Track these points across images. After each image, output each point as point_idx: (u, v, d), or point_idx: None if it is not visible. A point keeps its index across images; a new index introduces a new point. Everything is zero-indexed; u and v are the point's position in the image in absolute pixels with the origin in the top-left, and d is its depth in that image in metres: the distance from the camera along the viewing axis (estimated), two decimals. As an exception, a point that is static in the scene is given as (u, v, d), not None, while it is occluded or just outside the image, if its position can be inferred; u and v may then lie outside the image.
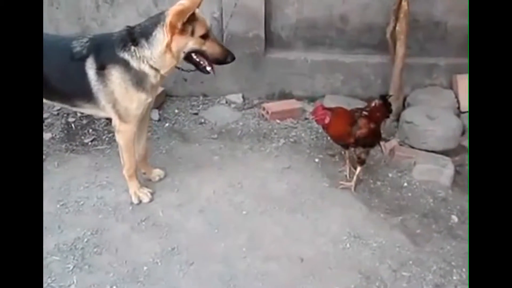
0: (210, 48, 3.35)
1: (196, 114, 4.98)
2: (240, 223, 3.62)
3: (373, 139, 3.97)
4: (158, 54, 3.26)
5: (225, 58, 3.43)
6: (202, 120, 4.88)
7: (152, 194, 3.83)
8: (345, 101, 4.85)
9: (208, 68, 3.44)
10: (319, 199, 3.88)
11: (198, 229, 3.56)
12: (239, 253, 3.36)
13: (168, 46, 3.23)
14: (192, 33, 3.24)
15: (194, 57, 3.37)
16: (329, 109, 3.87)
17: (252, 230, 3.56)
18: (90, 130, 4.67)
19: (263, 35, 4.96)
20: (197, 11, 3.22)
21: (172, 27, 3.16)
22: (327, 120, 3.78)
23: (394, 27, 4.50)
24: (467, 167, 4.31)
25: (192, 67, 3.48)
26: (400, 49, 4.53)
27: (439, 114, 4.53)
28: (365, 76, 5.08)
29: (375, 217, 3.73)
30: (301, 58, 5.09)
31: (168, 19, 3.16)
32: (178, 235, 3.50)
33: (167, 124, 4.81)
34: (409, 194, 4.01)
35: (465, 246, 3.48)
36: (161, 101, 5.04)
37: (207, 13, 4.84)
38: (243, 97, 5.19)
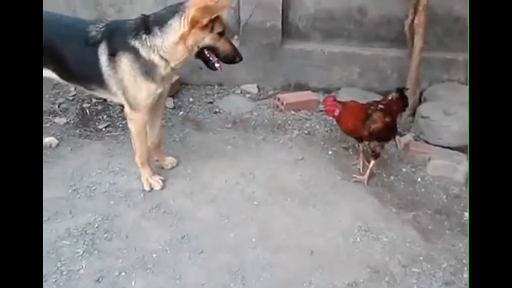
0: (222, 46, 3.36)
1: (211, 103, 4.97)
2: (250, 213, 3.61)
3: (388, 133, 3.94)
4: (170, 44, 3.25)
5: (235, 57, 3.44)
6: (217, 109, 4.86)
7: (164, 181, 3.83)
8: (361, 94, 4.82)
9: (217, 65, 3.44)
10: (331, 192, 3.86)
11: (209, 218, 3.56)
12: (249, 243, 3.36)
13: (183, 37, 3.22)
14: (212, 29, 3.24)
15: (206, 52, 3.37)
16: (340, 102, 3.84)
17: (262, 221, 3.55)
18: (105, 116, 4.68)
19: (280, 25, 4.93)
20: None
21: (195, 21, 3.15)
22: (336, 113, 3.77)
23: (413, 20, 4.45)
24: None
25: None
26: (418, 43, 4.48)
27: (455, 110, 4.47)
28: (382, 69, 5.04)
29: (387, 212, 3.70)
30: (318, 50, 5.05)
31: (191, 11, 3.15)
32: (189, 223, 3.49)
33: (181, 112, 4.80)
34: (422, 190, 3.97)
35: (477, 244, 3.44)
36: (176, 89, 5.03)
37: (224, 2, 4.83)
38: (258, 87, 5.17)
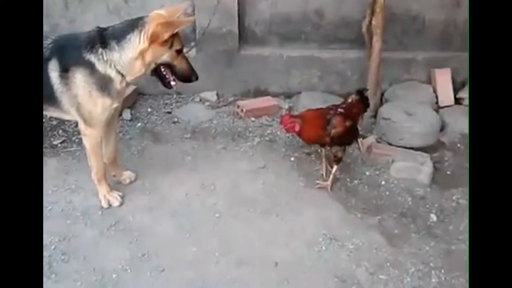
0: (180, 63, 3.29)
1: (169, 113, 4.85)
2: (212, 226, 3.51)
3: (349, 136, 3.88)
4: (128, 59, 3.14)
5: (191, 76, 3.40)
6: (175, 119, 4.75)
7: (122, 197, 3.71)
8: (321, 98, 4.79)
9: (173, 83, 3.37)
10: (295, 200, 3.78)
11: (169, 233, 3.45)
12: (211, 258, 3.25)
13: (142, 53, 3.12)
14: (171, 46, 3.16)
15: (162, 69, 3.29)
16: (297, 116, 3.79)
17: (224, 234, 3.45)
18: (60, 131, 4.53)
19: (236, 31, 4.84)
20: None
21: (155, 36, 3.05)
22: (297, 128, 3.68)
23: (370, 21, 4.41)
24: (446, 164, 4.26)
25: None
26: (377, 44, 4.43)
27: (417, 110, 4.45)
28: (341, 71, 4.99)
29: (351, 218, 3.63)
30: (276, 54, 4.98)
31: (151, 26, 3.05)
32: (149, 240, 3.38)
33: (139, 124, 4.68)
34: (387, 193, 3.92)
35: (443, 246, 3.41)
36: (134, 100, 4.91)
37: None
38: (217, 94, 5.07)
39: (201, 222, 3.54)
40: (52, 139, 4.43)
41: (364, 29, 4.47)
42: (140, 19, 3.13)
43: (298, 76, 5.03)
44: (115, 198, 3.68)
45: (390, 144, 4.36)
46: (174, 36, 3.12)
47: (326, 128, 3.71)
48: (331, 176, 3.90)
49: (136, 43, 3.09)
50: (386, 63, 4.69)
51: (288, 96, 5.06)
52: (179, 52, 3.23)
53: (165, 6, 4.56)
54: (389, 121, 4.36)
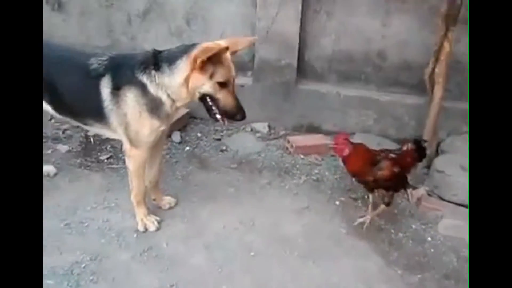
0: (224, 98, 3.16)
1: (219, 140, 4.81)
2: (246, 264, 3.41)
3: (396, 183, 3.75)
4: (176, 84, 3.10)
5: (235, 114, 3.25)
6: (224, 147, 4.70)
7: (159, 222, 3.67)
8: (375, 141, 4.65)
9: (218, 117, 3.25)
10: (334, 246, 3.64)
11: (202, 266, 3.36)
12: (241, 297, 3.15)
13: (187, 80, 3.07)
14: (211, 76, 3.06)
15: (208, 100, 3.19)
16: (351, 143, 3.67)
17: (258, 273, 3.34)
18: (108, 147, 4.54)
19: (295, 64, 4.78)
20: (228, 56, 3.08)
21: (194, 60, 2.99)
22: (345, 153, 3.61)
23: (434, 69, 4.25)
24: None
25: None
26: (438, 92, 4.27)
27: (473, 165, 4.24)
28: (399, 116, 4.85)
29: (391, 273, 3.46)
30: (334, 92, 4.88)
31: (195, 51, 3.00)
32: (180, 270, 3.30)
33: (187, 148, 4.65)
34: (432, 250, 3.73)
35: (485, 316, 3.20)
36: (184, 123, 4.89)
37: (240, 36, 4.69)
38: (269, 126, 5.00)
39: (235, 258, 3.45)
40: (99, 153, 4.45)
41: (426, 76, 4.31)
42: (193, 45, 3.08)
43: (354, 116, 4.91)
44: (152, 223, 3.63)
45: (442, 199, 4.17)
46: (215, 66, 3.02)
47: (372, 167, 3.61)
48: (376, 211, 3.81)
49: (183, 68, 3.05)
50: (447, 113, 4.53)
51: (342, 136, 4.93)
52: (222, 85, 3.11)
53: (226, 31, 4.65)
54: (443, 174, 4.18)
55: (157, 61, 3.12)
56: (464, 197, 4.06)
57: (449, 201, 4.13)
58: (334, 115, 4.93)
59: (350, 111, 4.91)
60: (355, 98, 4.87)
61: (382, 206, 3.78)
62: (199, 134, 4.85)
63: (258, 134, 4.95)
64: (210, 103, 3.19)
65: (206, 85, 3.09)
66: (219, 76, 3.07)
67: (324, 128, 4.99)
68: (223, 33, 4.74)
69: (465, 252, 3.71)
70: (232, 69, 3.14)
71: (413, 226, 3.95)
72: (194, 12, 4.74)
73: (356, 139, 4.65)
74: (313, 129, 4.99)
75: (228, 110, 3.21)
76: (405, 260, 3.60)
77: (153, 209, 3.78)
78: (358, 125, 4.93)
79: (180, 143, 4.68)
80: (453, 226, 3.86)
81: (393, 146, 4.19)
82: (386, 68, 4.84)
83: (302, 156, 4.65)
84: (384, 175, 3.59)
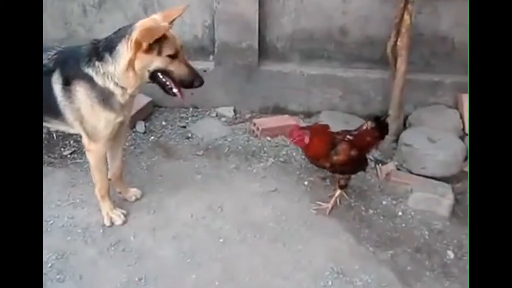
0: (177, 69, 3.05)
1: (184, 127, 4.72)
2: (215, 252, 3.36)
3: (352, 167, 3.69)
4: (121, 70, 2.99)
5: (192, 81, 3.11)
6: (189, 135, 4.61)
7: (125, 215, 3.60)
8: (342, 118, 4.62)
9: (175, 90, 3.14)
10: (304, 228, 3.60)
11: (170, 257, 3.31)
12: (211, 286, 3.10)
13: (131, 62, 2.95)
14: (159, 52, 2.96)
15: (160, 76, 3.08)
16: (307, 127, 3.60)
17: (227, 260, 3.29)
18: (71, 142, 4.42)
19: (256, 45, 4.69)
20: (169, 28, 2.98)
21: (138, 44, 2.89)
22: (306, 141, 3.49)
23: (396, 42, 4.19)
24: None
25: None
26: (402, 66, 4.22)
27: (441, 137, 4.23)
28: (364, 92, 4.79)
29: (362, 251, 3.44)
30: (297, 71, 4.81)
31: (135, 34, 2.89)
32: (148, 263, 3.25)
33: (152, 137, 4.56)
34: (403, 225, 3.71)
35: (459, 287, 3.18)
36: (149, 112, 4.79)
37: (198, 21, 4.61)
38: (234, 110, 4.93)
39: (204, 247, 3.39)
40: (62, 149, 4.35)
41: (388, 50, 4.26)
42: (129, 26, 2.97)
43: (319, 95, 4.85)
44: (118, 216, 3.56)
45: (411, 172, 4.15)
46: (161, 41, 2.91)
47: (331, 151, 3.53)
48: (332, 200, 3.75)
49: (125, 53, 2.93)
50: (412, 85, 4.48)
51: (308, 115, 4.89)
52: (172, 57, 3.00)
53: (184, 16, 4.52)
54: (411, 147, 4.15)
55: (98, 51, 3.02)
56: (433, 170, 4.07)
57: (418, 175, 4.11)
58: (299, 95, 4.87)
59: (314, 90, 4.84)
60: (319, 77, 4.80)
61: (338, 191, 3.74)
62: (164, 123, 4.76)
63: (223, 119, 4.87)
64: (164, 79, 3.09)
65: (155, 62, 2.98)
66: (168, 49, 2.97)
67: (290, 108, 4.92)
68: (182, 18, 4.60)
69: (436, 225, 3.72)
70: (177, 38, 3.05)
71: (383, 202, 3.92)
72: (150, -2, 4.63)
73: (322, 118, 4.62)
74: (279, 110, 4.92)
75: (184, 79, 3.09)
76: (377, 236, 3.58)
77: (119, 202, 3.71)
78: (323, 103, 4.87)
79: (144, 133, 4.59)
80: (423, 200, 3.84)
81: (360, 122, 4.12)
82: (349, 44, 4.77)
83: (269, 138, 4.59)
84: (340, 160, 3.51)
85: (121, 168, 3.69)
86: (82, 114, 3.12)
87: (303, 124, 3.90)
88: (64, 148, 4.36)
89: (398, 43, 4.17)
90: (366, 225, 3.69)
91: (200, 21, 4.68)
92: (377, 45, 4.58)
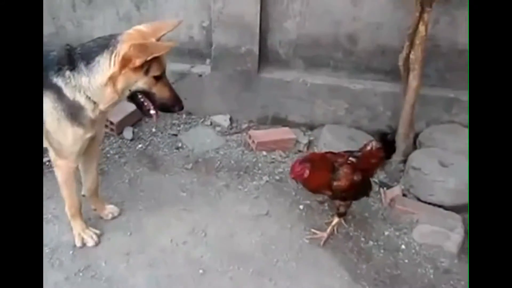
0: (160, 91, 2.76)
1: (175, 135, 4.36)
2: (193, 284, 3.05)
3: (355, 192, 3.32)
4: (97, 85, 2.65)
5: (173, 106, 2.85)
6: (180, 144, 4.26)
7: (99, 236, 3.30)
8: (347, 133, 4.27)
9: (152, 112, 2.84)
10: (295, 261, 3.26)
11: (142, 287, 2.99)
12: (184, 325, 2.77)
13: (113, 79, 2.62)
14: (147, 72, 2.64)
15: (139, 97, 2.77)
16: (306, 159, 3.20)
17: (206, 296, 2.95)
18: (52, 148, 4.08)
19: (257, 50, 4.31)
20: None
21: (127, 61, 2.56)
22: (306, 174, 3.11)
23: (408, 55, 3.79)
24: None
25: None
26: (414, 81, 3.83)
27: (454, 161, 3.84)
28: (372, 105, 4.40)
29: (358, 291, 3.08)
30: (300, 80, 4.41)
31: (123, 48, 2.56)
32: (117, 294, 2.91)
33: (139, 145, 4.22)
34: (406, 261, 3.35)
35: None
36: (138, 117, 4.42)
37: (196, 21, 4.25)
38: (230, 119, 4.55)
39: (181, 278, 3.08)
40: (41, 155, 4.00)
41: (400, 62, 3.86)
42: (113, 37, 2.63)
43: (323, 106, 4.47)
44: (90, 237, 3.28)
45: (418, 199, 3.78)
46: (152, 60, 2.60)
47: (331, 179, 3.17)
48: (329, 229, 3.40)
49: (106, 67, 2.60)
50: (425, 101, 4.11)
51: (310, 127, 4.52)
52: (158, 78, 2.71)
53: (180, 15, 4.19)
54: (420, 172, 3.77)
55: (72, 59, 2.68)
56: (443, 198, 3.70)
57: (426, 202, 3.73)
58: (301, 106, 4.49)
59: (318, 100, 4.45)
60: (324, 87, 4.41)
61: (336, 219, 3.40)
62: (154, 130, 4.40)
63: (218, 128, 4.49)
64: (142, 99, 2.79)
65: (140, 82, 2.68)
66: (155, 69, 2.67)
67: (291, 119, 4.55)
68: (177, 17, 4.26)
69: (443, 263, 3.37)
70: (164, 58, 2.72)
71: (386, 233, 3.56)
72: (143, -6, 4.28)
73: (325, 132, 4.26)
74: (278, 121, 4.55)
75: (165, 103, 2.82)
76: (375, 273, 3.24)
77: (95, 220, 3.41)
78: (327, 116, 4.48)
79: (132, 140, 4.25)
80: (429, 233, 3.47)
81: (366, 138, 3.77)
82: (358, 53, 4.36)
83: (264, 153, 4.22)
84: (341, 185, 3.17)
85: (97, 183, 3.37)
86: (47, 128, 2.79)
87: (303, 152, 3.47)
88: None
89: (411, 56, 3.77)
90: (365, 258, 3.34)
91: (197, 21, 4.32)
92: (389, 55, 4.18)
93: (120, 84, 2.64)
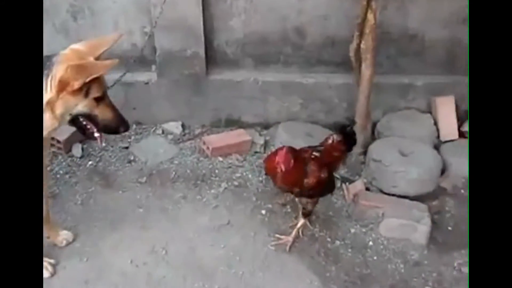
0: (102, 113, 2.59)
1: (127, 148, 4.16)
2: (158, 308, 2.88)
3: (322, 189, 3.23)
4: None
5: (118, 127, 2.68)
6: (132, 157, 4.07)
7: (54, 266, 3.11)
8: (304, 129, 4.15)
9: (96, 135, 2.67)
10: (261, 270, 3.14)
11: (103, 318, 2.83)
12: None
13: (50, 104, 2.43)
14: (86, 94, 2.47)
15: (81, 120, 2.59)
16: (288, 150, 3.02)
17: (170, 320, 2.81)
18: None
19: (203, 52, 4.14)
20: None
21: (64, 84, 2.38)
22: (291, 164, 2.97)
23: (359, 45, 3.68)
24: (447, 215, 3.60)
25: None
26: (367, 71, 3.72)
27: (414, 149, 3.78)
28: (327, 99, 4.29)
29: (329, 295, 2.98)
30: (251, 79, 4.28)
31: (59, 70, 2.38)
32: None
33: (90, 162, 4.01)
34: (374, 258, 3.28)
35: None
36: (87, 133, 4.21)
37: (136, 27, 4.07)
38: (182, 125, 4.38)
39: (144, 302, 2.90)
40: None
41: (351, 53, 3.75)
42: (48, 59, 2.43)
43: (277, 104, 4.34)
44: (45, 269, 3.06)
45: (382, 191, 3.70)
46: (92, 81, 2.43)
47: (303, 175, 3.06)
48: (294, 232, 3.29)
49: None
50: (380, 89, 4.01)
51: (265, 127, 4.39)
52: (99, 99, 2.54)
53: (119, 22, 4.01)
54: (381, 164, 3.68)
55: None
56: (406, 189, 3.64)
57: (389, 194, 3.65)
58: (254, 105, 4.35)
59: (271, 98, 4.33)
60: (276, 84, 4.29)
61: (301, 221, 3.29)
62: (103, 144, 4.16)
63: (170, 136, 4.31)
64: (84, 122, 2.61)
65: (80, 105, 2.50)
66: (96, 91, 2.50)
67: (245, 120, 4.41)
68: (116, 25, 4.09)
69: (413, 256, 3.32)
70: (104, 78, 2.57)
71: (352, 230, 3.48)
72: (79, 4, 4.05)
73: (281, 130, 4.14)
74: (232, 123, 4.41)
75: (109, 124, 2.65)
76: (345, 275, 3.16)
77: (48, 249, 3.19)
78: (282, 113, 4.36)
79: (81, 157, 4.04)
80: (396, 227, 3.40)
81: (324, 133, 3.66)
82: (307, 46, 4.24)
83: (220, 159, 4.06)
84: (309, 183, 3.06)
85: (47, 209, 3.15)
86: None
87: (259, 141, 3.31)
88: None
89: (362, 45, 3.67)
90: (333, 260, 3.24)
91: (138, 27, 4.13)
92: (339, 47, 4.08)
93: (59, 109, 2.45)
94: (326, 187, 3.23)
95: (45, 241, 3.19)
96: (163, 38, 4.06)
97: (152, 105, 4.15)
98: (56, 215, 3.39)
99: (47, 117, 2.46)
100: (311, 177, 3.06)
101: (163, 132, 4.36)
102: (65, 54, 2.47)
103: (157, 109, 4.28)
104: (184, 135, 4.34)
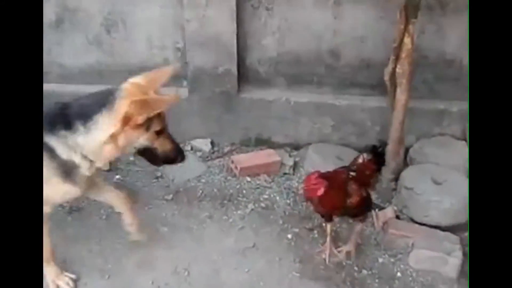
0: (161, 146, 2.68)
1: (154, 164, 4.12)
2: (177, 332, 2.82)
3: (364, 209, 3.21)
4: (96, 143, 2.50)
5: (176, 158, 2.79)
6: (159, 174, 4.03)
7: (75, 281, 3.08)
8: (334, 151, 4.09)
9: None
10: (285, 297, 3.04)
11: None
12: None
13: (114, 137, 2.47)
14: (148, 127, 2.52)
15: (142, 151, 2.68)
16: (324, 176, 2.98)
17: None
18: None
19: (235, 70, 4.10)
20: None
21: (128, 119, 2.42)
22: (320, 192, 2.90)
23: (394, 69, 3.60)
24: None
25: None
26: (402, 96, 3.63)
27: (447, 177, 3.67)
28: (360, 121, 4.22)
29: (353, 329, 2.89)
30: (283, 99, 4.22)
31: (123, 105, 2.42)
32: None
33: (117, 177, 4.00)
34: (402, 290, 3.15)
35: None
36: (115, 146, 4.20)
37: (169, 42, 4.04)
38: (212, 143, 4.35)
39: (164, 326, 2.85)
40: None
41: (386, 77, 3.66)
42: (111, 93, 2.49)
43: (308, 125, 4.28)
44: (66, 284, 3.06)
45: (412, 220, 3.59)
46: (153, 116, 2.48)
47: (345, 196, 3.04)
48: (353, 238, 3.32)
49: (105, 125, 2.46)
50: (414, 113, 3.92)
51: (295, 147, 4.33)
52: (159, 132, 2.60)
53: (152, 36, 3.99)
54: (413, 191, 3.58)
55: (67, 118, 2.53)
56: (438, 219, 3.53)
57: (421, 223, 3.55)
58: (284, 125, 4.29)
59: (302, 119, 4.27)
60: (308, 104, 4.22)
61: (359, 226, 3.29)
62: (131, 158, 4.16)
63: (199, 153, 4.27)
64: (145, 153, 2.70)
65: (142, 138, 2.57)
66: (156, 125, 2.58)
67: (275, 140, 4.35)
68: (149, 39, 4.07)
69: (442, 290, 3.16)
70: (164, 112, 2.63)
71: (380, 260, 3.38)
72: (113, 17, 4.05)
73: (311, 152, 4.07)
74: (262, 142, 4.35)
75: (168, 156, 2.75)
76: (371, 306, 3.03)
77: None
78: (313, 134, 4.29)
79: (109, 170, 4.01)
80: (426, 258, 3.29)
81: (355, 155, 3.56)
82: (341, 68, 4.18)
83: (248, 179, 4.00)
84: (353, 202, 3.03)
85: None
86: None
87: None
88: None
89: (398, 70, 3.58)
90: (359, 290, 3.13)
91: (171, 42, 4.11)
92: (374, 69, 4.00)
93: (121, 142, 2.51)
94: (368, 205, 3.22)
95: (67, 255, 3.19)
96: (195, 54, 4.04)
97: (182, 121, 4.10)
98: (79, 229, 3.41)
99: (108, 149, 2.53)
100: (354, 196, 3.03)
101: (191, 149, 4.32)
102: (128, 89, 2.51)
103: (187, 126, 4.24)
104: (213, 152, 4.30)
